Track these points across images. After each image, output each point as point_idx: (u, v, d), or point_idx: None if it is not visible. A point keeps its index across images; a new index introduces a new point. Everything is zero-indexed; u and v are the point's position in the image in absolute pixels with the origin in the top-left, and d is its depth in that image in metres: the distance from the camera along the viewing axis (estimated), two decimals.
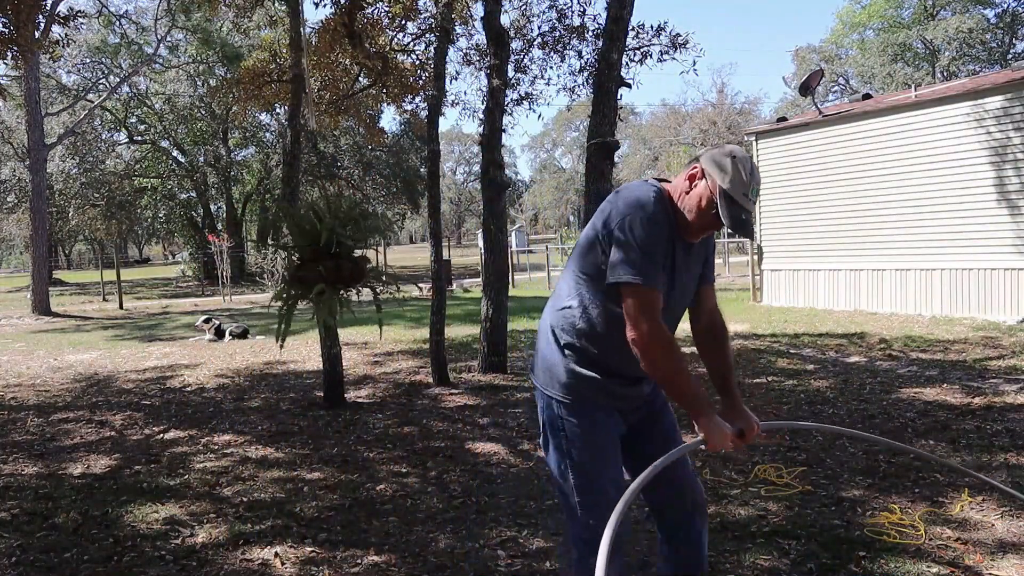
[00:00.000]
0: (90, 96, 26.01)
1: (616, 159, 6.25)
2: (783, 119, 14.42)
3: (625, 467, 2.34)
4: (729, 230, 2.09)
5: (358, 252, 4.10)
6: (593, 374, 2.22)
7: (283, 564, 3.22)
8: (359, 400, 6.56)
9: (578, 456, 2.26)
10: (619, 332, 2.11)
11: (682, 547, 2.41)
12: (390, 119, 66.98)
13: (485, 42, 8.33)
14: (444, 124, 58.36)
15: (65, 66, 26.36)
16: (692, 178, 2.12)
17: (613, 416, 2.28)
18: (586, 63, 9.49)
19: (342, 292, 4.51)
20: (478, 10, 9.57)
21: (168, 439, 5.45)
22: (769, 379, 6.78)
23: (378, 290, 4.08)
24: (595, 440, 2.24)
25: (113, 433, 5.70)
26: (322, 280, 4.07)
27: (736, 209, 2.05)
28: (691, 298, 2.33)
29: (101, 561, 3.31)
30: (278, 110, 21.24)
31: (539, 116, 44.78)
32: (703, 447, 2.13)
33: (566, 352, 2.25)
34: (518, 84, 9.81)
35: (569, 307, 2.23)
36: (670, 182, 2.21)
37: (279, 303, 3.59)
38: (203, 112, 29.32)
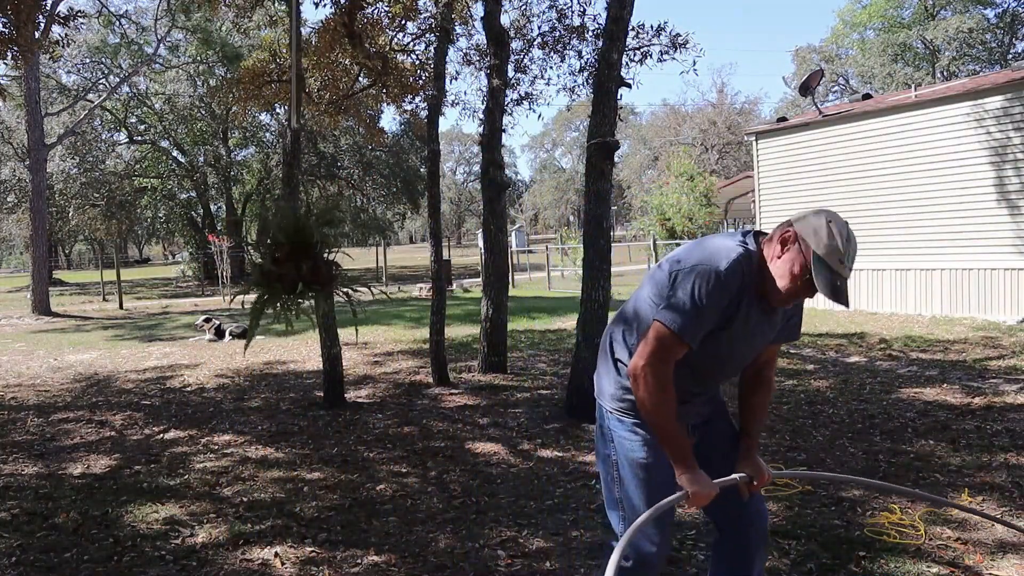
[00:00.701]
0: (90, 96, 26.01)
1: (616, 159, 6.25)
2: (783, 119, 14.42)
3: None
4: (824, 298, 2.01)
5: (332, 255, 4.10)
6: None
7: (283, 564, 3.22)
8: (359, 400, 6.56)
9: (621, 471, 2.24)
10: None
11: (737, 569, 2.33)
12: (390, 119, 67.07)
13: (485, 42, 8.32)
14: (444, 124, 58.32)
15: (65, 66, 26.36)
16: (785, 242, 2.03)
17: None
18: (586, 63, 9.48)
19: (313, 293, 4.51)
20: (478, 10, 9.57)
21: (168, 439, 5.45)
22: None
23: (350, 294, 4.08)
24: (638, 457, 2.20)
25: (113, 433, 5.70)
26: (300, 280, 4.07)
27: (832, 276, 1.96)
28: (756, 355, 2.28)
29: (101, 561, 3.31)
30: (278, 110, 21.23)
31: (539, 116, 44.77)
32: (683, 504, 2.10)
33: (618, 365, 2.24)
34: (518, 84, 9.80)
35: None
36: (767, 235, 2.12)
37: (254, 301, 3.60)
38: (203, 112, 29.31)
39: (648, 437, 2.17)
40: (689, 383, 2.17)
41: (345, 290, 4.29)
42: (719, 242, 2.09)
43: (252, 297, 3.66)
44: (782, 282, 2.02)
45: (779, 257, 2.03)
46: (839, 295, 1.96)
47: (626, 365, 2.17)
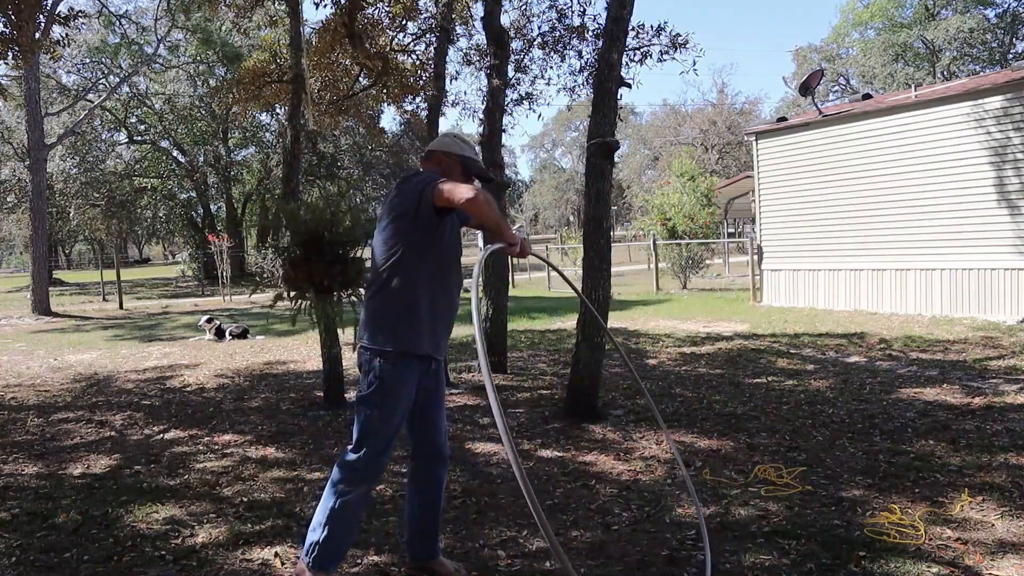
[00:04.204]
0: (90, 96, 26.01)
1: (616, 159, 6.25)
2: (783, 119, 14.42)
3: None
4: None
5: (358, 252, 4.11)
6: None
7: (283, 564, 3.22)
8: None
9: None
10: None
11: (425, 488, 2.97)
12: (390, 119, 66.99)
13: (485, 42, 8.33)
14: (444, 124, 58.25)
15: (65, 66, 26.36)
16: (440, 162, 2.86)
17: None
18: (586, 63, 9.49)
19: (337, 294, 4.54)
20: (478, 10, 9.58)
21: (168, 439, 5.45)
22: (769, 379, 6.78)
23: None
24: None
25: (113, 433, 5.70)
26: (320, 280, 4.09)
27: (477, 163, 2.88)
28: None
29: (101, 561, 3.31)
30: (278, 110, 21.25)
31: (539, 116, 44.80)
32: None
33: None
34: (518, 84, 9.81)
35: None
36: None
37: (291, 302, 3.60)
38: (203, 112, 29.32)
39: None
40: (441, 289, 2.80)
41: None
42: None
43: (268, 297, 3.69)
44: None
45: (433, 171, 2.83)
46: (484, 171, 2.96)
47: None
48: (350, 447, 2.79)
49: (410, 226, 2.70)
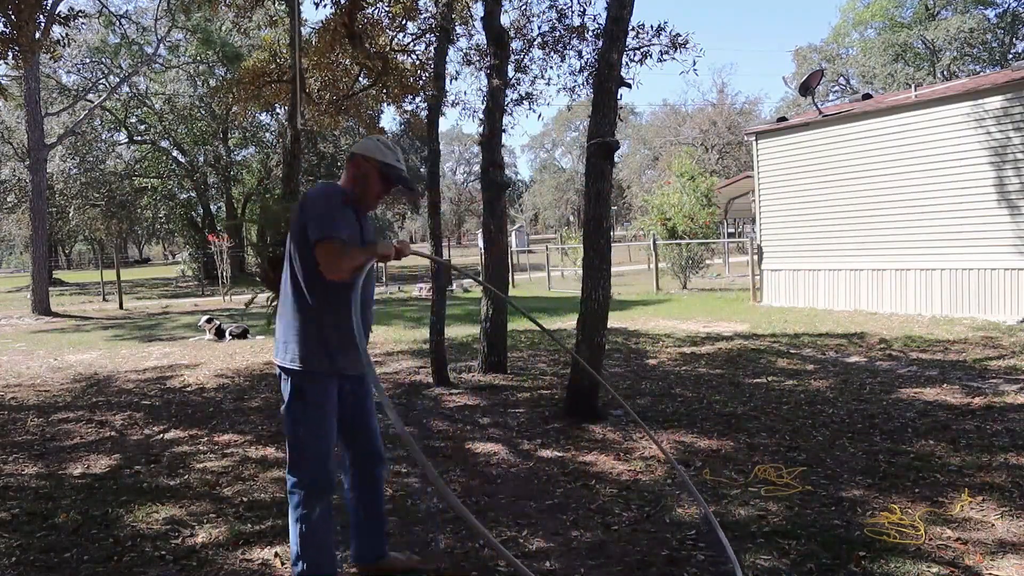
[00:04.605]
0: (90, 96, 26.00)
1: (616, 159, 6.25)
2: (783, 119, 14.42)
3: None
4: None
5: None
6: None
7: (283, 564, 3.22)
8: None
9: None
10: None
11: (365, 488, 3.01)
12: (390, 119, 66.89)
13: (485, 42, 8.32)
14: (444, 124, 58.37)
15: (65, 66, 26.37)
16: (357, 167, 2.80)
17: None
18: (586, 63, 9.47)
19: None
20: (478, 10, 9.57)
21: (168, 439, 5.45)
22: (769, 379, 6.78)
23: None
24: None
25: (113, 433, 5.70)
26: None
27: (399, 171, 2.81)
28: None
29: (101, 561, 3.31)
30: (278, 110, 21.24)
31: (539, 116, 44.68)
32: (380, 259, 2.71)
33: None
34: (518, 84, 9.79)
35: None
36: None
37: (268, 302, 3.60)
38: (203, 112, 29.32)
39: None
40: (343, 306, 2.67)
41: None
42: (314, 188, 2.80)
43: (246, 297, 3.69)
44: (371, 192, 2.80)
45: (355, 177, 2.81)
46: (407, 180, 2.86)
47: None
48: (287, 470, 2.81)
49: (308, 252, 2.67)
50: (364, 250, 2.66)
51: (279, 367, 2.80)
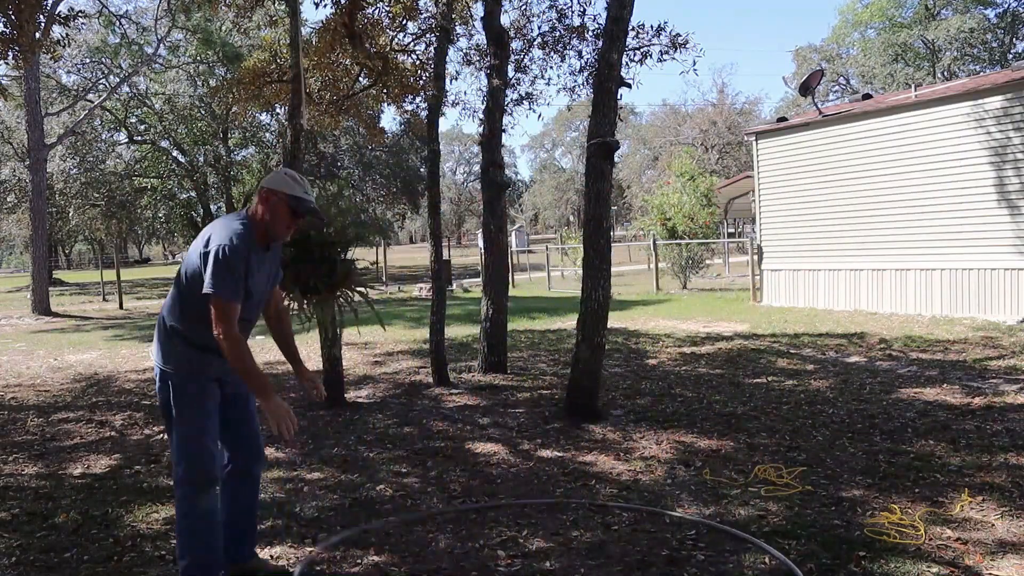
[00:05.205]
0: (90, 96, 25.98)
1: (616, 159, 6.25)
2: (783, 119, 14.42)
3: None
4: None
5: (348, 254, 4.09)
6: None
7: (283, 564, 3.22)
8: (359, 400, 6.56)
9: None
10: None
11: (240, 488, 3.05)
12: (390, 119, 67.00)
13: (485, 42, 8.32)
14: (444, 124, 58.38)
15: (65, 66, 26.33)
16: (266, 200, 2.82)
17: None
18: (586, 63, 9.48)
19: (338, 295, 4.53)
20: (478, 10, 9.57)
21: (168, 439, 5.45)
22: (769, 379, 6.78)
23: (365, 293, 4.08)
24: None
25: (113, 433, 5.70)
26: (306, 281, 4.09)
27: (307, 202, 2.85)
28: (269, 297, 3.04)
29: (101, 561, 3.31)
30: (278, 110, 21.24)
31: (539, 116, 44.77)
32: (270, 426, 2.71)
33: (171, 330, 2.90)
34: (518, 84, 9.79)
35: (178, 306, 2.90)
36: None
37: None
38: (203, 112, 29.31)
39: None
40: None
41: (360, 289, 4.29)
42: (224, 223, 2.82)
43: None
44: (280, 224, 2.84)
45: (264, 210, 2.82)
46: (316, 212, 2.92)
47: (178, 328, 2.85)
48: (175, 461, 2.90)
49: (199, 283, 2.76)
50: (256, 379, 2.75)
51: (159, 368, 2.89)
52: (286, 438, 2.74)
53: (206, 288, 2.68)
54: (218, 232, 2.76)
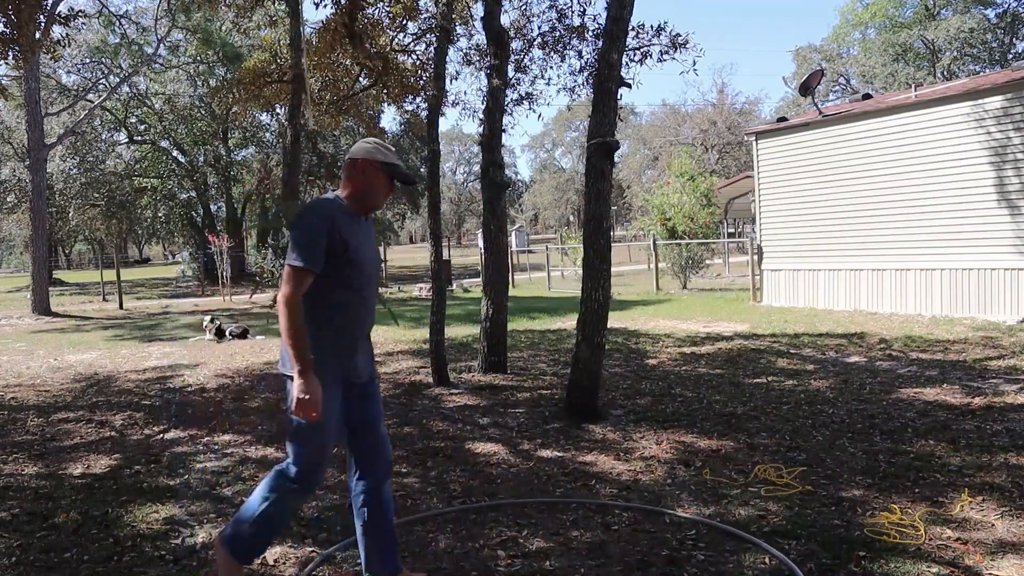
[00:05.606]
0: (90, 96, 26.00)
1: (616, 159, 6.24)
2: (783, 119, 14.42)
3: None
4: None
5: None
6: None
7: (283, 564, 3.22)
8: None
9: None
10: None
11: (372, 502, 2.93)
12: (390, 119, 66.93)
13: (485, 42, 8.32)
14: (444, 124, 58.38)
15: (65, 66, 26.37)
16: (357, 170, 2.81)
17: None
18: (586, 63, 9.48)
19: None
20: (478, 10, 9.58)
21: (168, 439, 5.45)
22: (769, 379, 6.78)
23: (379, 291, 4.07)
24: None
25: (113, 433, 5.70)
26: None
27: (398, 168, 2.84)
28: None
29: (101, 561, 3.31)
30: (278, 110, 21.25)
31: (539, 116, 44.76)
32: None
33: None
34: (518, 84, 9.80)
35: None
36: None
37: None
38: (203, 112, 29.31)
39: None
40: (353, 324, 2.78)
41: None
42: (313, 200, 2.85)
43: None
44: (379, 193, 2.83)
45: (360, 182, 2.81)
46: (409, 176, 2.89)
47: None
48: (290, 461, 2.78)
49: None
50: (300, 349, 2.58)
51: (285, 375, 2.74)
52: (298, 417, 2.61)
53: (286, 260, 2.65)
54: (306, 204, 2.77)
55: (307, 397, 2.56)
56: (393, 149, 2.91)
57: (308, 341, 2.59)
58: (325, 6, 9.27)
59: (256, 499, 2.78)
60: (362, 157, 2.81)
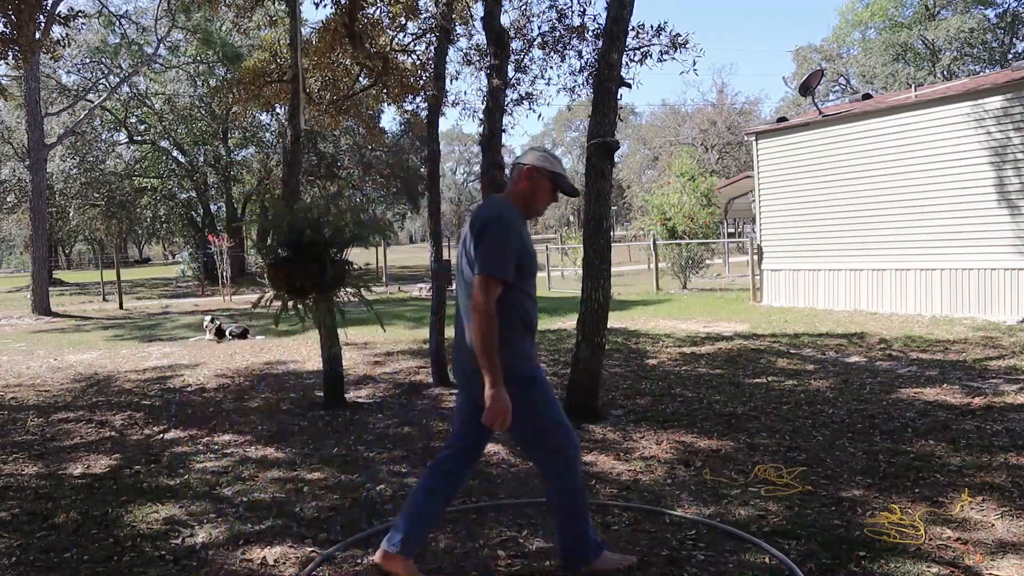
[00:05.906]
0: (90, 96, 25.99)
1: (616, 159, 6.25)
2: (783, 119, 14.42)
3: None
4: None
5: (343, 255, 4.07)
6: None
7: (283, 564, 3.22)
8: (359, 400, 6.56)
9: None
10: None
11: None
12: (390, 119, 67.02)
13: (485, 42, 8.30)
14: (444, 124, 58.37)
15: (65, 66, 26.36)
16: (528, 177, 2.90)
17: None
18: (586, 63, 9.46)
19: (332, 295, 4.52)
20: (478, 10, 9.56)
21: (168, 439, 5.45)
22: (769, 379, 6.78)
23: (359, 293, 4.08)
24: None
25: (113, 433, 5.70)
26: (293, 281, 4.08)
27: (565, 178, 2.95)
28: None
29: (101, 561, 3.31)
30: (278, 110, 21.25)
31: (539, 116, 44.75)
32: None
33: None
34: (518, 84, 9.78)
35: None
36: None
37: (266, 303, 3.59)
38: (203, 112, 29.30)
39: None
40: (531, 308, 2.96)
41: (350, 290, 4.28)
42: (490, 204, 2.91)
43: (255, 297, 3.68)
44: (542, 200, 2.95)
45: (527, 187, 2.92)
46: (574, 189, 2.99)
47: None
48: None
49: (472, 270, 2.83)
50: (492, 362, 2.66)
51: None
52: (495, 430, 2.71)
53: (477, 269, 2.68)
54: (487, 211, 2.80)
55: (499, 406, 2.65)
56: (559, 158, 3.02)
57: (497, 351, 2.67)
58: (325, 6, 9.26)
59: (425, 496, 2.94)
60: (532, 164, 2.91)
